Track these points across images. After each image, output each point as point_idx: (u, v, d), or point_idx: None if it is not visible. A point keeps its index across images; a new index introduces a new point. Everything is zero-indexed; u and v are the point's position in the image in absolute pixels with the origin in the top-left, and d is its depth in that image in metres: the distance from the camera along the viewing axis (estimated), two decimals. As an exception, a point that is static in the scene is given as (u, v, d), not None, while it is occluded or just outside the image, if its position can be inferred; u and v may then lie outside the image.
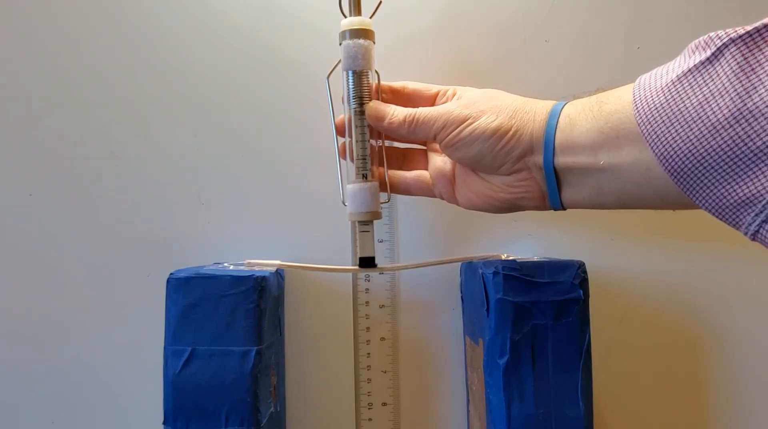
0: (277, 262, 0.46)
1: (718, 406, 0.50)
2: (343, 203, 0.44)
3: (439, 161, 0.43)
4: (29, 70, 0.50)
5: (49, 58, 0.50)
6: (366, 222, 0.43)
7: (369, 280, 0.50)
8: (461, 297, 0.50)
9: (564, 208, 0.38)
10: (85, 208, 0.50)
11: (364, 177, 0.42)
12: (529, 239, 0.50)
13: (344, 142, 0.44)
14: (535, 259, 0.44)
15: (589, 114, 0.34)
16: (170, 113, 0.50)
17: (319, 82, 0.48)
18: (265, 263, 0.45)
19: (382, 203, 0.43)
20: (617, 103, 0.32)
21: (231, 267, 0.44)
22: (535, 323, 0.40)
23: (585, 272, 0.41)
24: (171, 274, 0.41)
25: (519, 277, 0.40)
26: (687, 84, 0.28)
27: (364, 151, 0.42)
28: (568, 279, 0.40)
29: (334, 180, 0.45)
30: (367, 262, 0.43)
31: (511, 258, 0.45)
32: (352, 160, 0.43)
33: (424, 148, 0.46)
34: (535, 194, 0.38)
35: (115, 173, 0.50)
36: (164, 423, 0.40)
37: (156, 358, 0.41)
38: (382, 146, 0.44)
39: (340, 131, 0.44)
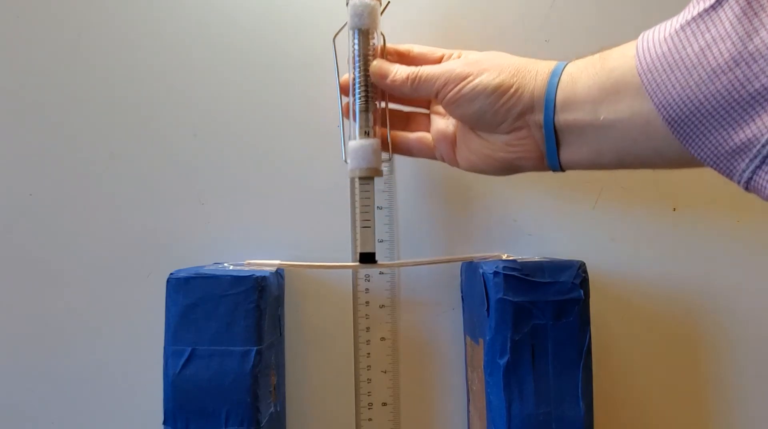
0: (277, 261, 0.46)
1: (719, 405, 0.50)
2: (345, 161, 0.44)
3: (442, 123, 0.44)
4: (29, 70, 0.50)
5: (50, 58, 0.50)
6: (366, 179, 0.43)
7: (369, 280, 0.50)
8: (461, 297, 0.50)
9: (562, 169, 0.38)
10: (86, 208, 0.50)
11: (367, 134, 0.43)
12: (529, 239, 0.50)
13: (347, 102, 0.44)
14: (536, 259, 0.44)
15: (591, 71, 0.34)
16: (170, 113, 0.50)
17: (318, 83, 0.48)
18: (265, 263, 0.45)
19: (383, 161, 0.44)
20: (620, 58, 0.33)
21: (231, 267, 0.44)
22: (536, 323, 0.40)
23: (585, 272, 0.41)
24: (171, 274, 0.41)
25: (519, 277, 0.40)
26: (690, 32, 0.28)
27: (367, 109, 0.43)
28: (569, 279, 0.40)
29: (335, 180, 0.46)
30: (367, 258, 0.43)
31: (511, 258, 0.45)
32: (354, 119, 0.43)
33: (427, 111, 0.46)
34: (534, 154, 0.38)
35: (115, 173, 0.50)
36: (164, 423, 0.40)
37: (156, 358, 0.41)
38: (386, 107, 0.45)
39: (344, 91, 0.45)
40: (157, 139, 0.50)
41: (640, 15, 0.51)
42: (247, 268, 0.43)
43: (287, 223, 0.50)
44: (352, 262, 0.50)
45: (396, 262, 0.50)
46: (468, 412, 0.49)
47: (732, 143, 0.27)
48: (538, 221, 0.51)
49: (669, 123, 0.29)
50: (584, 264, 0.41)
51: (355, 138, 0.43)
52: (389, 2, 0.44)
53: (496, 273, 0.40)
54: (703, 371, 0.50)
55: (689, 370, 0.50)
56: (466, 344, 0.49)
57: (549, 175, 0.50)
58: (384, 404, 0.50)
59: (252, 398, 0.40)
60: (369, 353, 0.50)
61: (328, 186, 0.50)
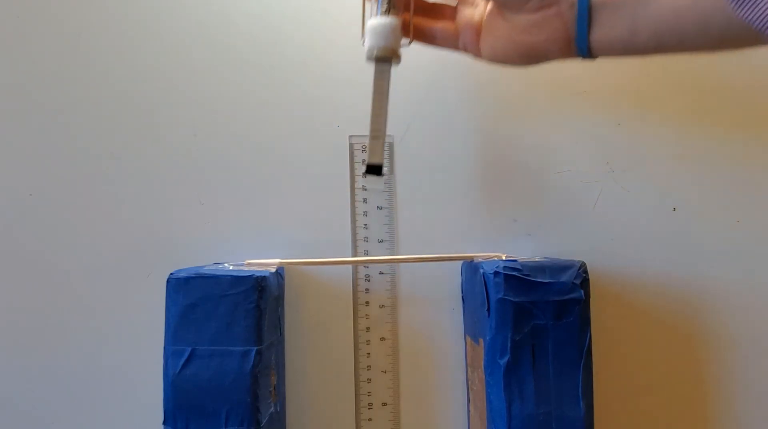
0: (277, 260, 0.46)
1: (719, 406, 0.50)
2: (362, 43, 0.42)
3: (468, 11, 0.42)
4: (29, 70, 0.50)
5: (50, 58, 0.50)
6: (383, 61, 0.40)
7: (369, 280, 0.50)
8: (462, 297, 0.50)
9: (591, 55, 0.36)
10: (85, 208, 0.50)
11: (387, 12, 0.40)
12: (530, 239, 0.50)
13: None
14: (536, 259, 0.44)
15: None
16: (170, 113, 0.50)
17: (318, 82, 0.48)
18: (265, 263, 0.45)
19: (402, 46, 0.41)
20: None
21: (231, 267, 0.44)
22: (536, 323, 0.40)
23: (586, 272, 0.41)
24: (171, 274, 0.41)
25: (520, 277, 0.40)
26: None
27: None
28: (569, 279, 0.40)
29: (335, 180, 0.45)
30: (373, 170, 0.41)
31: (511, 258, 0.45)
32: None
33: (454, 2, 0.44)
34: (561, 35, 0.36)
35: (115, 173, 0.50)
36: (164, 423, 0.40)
37: (156, 358, 0.41)
38: None
39: None
40: (157, 139, 0.50)
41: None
42: (247, 268, 0.43)
43: (287, 222, 0.50)
44: (353, 264, 0.50)
45: (395, 257, 0.50)
46: (468, 412, 0.49)
47: None
48: (538, 221, 0.51)
49: None
50: (584, 264, 0.41)
51: (375, 16, 0.41)
52: None
53: (496, 273, 0.40)
54: (703, 371, 0.50)
55: (689, 370, 0.50)
56: (466, 344, 0.49)
57: (550, 176, 0.50)
58: (384, 404, 0.50)
59: (252, 398, 0.40)
60: (369, 353, 0.50)
61: (328, 186, 0.50)
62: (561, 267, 0.41)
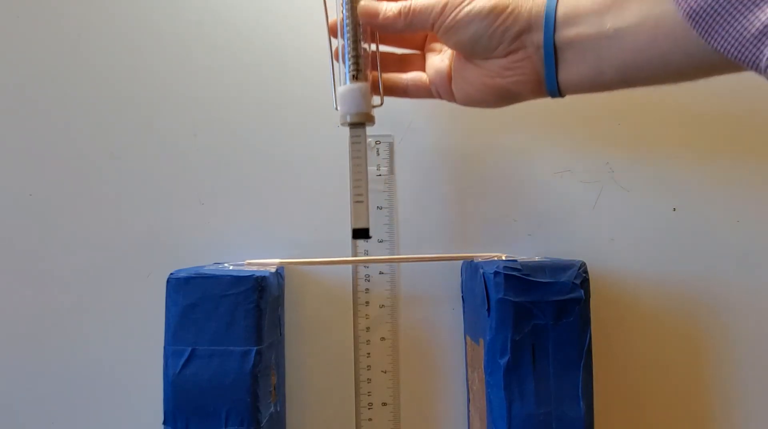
0: (277, 260, 0.46)
1: (719, 406, 0.50)
2: (336, 108, 0.43)
3: (437, 60, 0.43)
4: (29, 70, 0.50)
5: (50, 58, 0.50)
6: (357, 126, 0.41)
7: (369, 280, 0.50)
8: (462, 297, 0.50)
9: (561, 94, 0.37)
10: (85, 208, 0.50)
11: (356, 78, 0.41)
12: (530, 239, 0.50)
13: (338, 46, 0.43)
14: (536, 259, 0.44)
15: None
16: (170, 113, 0.50)
17: (318, 82, 0.48)
18: (265, 263, 0.45)
19: (375, 106, 0.42)
20: None
21: (231, 267, 0.44)
22: (536, 323, 0.40)
23: (586, 272, 0.41)
24: (171, 274, 0.41)
25: (520, 277, 0.40)
26: None
27: (356, 52, 0.41)
28: (569, 279, 0.40)
29: (335, 180, 0.45)
30: (360, 234, 0.42)
31: (511, 258, 0.45)
32: (344, 62, 0.42)
33: (420, 52, 0.45)
34: (531, 78, 0.37)
35: (115, 173, 0.50)
36: (164, 423, 0.40)
37: (156, 358, 0.41)
38: (377, 50, 0.43)
39: (333, 32, 0.43)
40: (157, 139, 0.50)
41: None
42: (247, 268, 0.43)
43: (287, 222, 0.50)
44: (352, 265, 0.50)
45: (395, 256, 0.50)
46: (468, 412, 0.49)
47: (758, 24, 0.26)
48: (538, 221, 0.51)
49: (689, 16, 0.28)
50: (585, 264, 0.41)
51: (345, 83, 0.42)
52: None
53: (496, 273, 0.40)
54: (703, 371, 0.50)
55: (689, 371, 0.50)
56: (466, 344, 0.49)
57: (550, 176, 0.50)
58: (384, 404, 0.50)
59: (252, 398, 0.40)
60: (369, 353, 0.50)
61: (328, 186, 0.50)
62: (561, 267, 0.41)
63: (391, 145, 0.51)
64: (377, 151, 0.50)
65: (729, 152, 0.51)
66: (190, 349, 0.40)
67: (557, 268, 0.41)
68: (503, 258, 0.45)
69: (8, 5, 0.50)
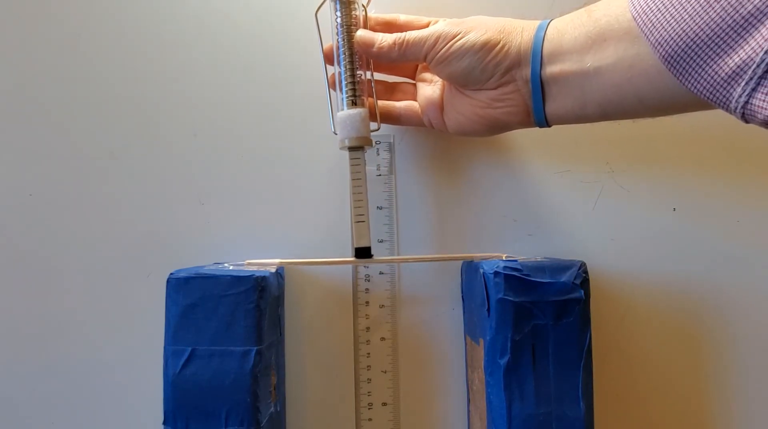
0: (277, 260, 0.46)
1: (719, 406, 0.50)
2: (334, 132, 0.45)
3: (428, 90, 0.45)
4: (29, 70, 0.50)
5: (50, 57, 0.50)
6: (357, 149, 0.43)
7: (369, 280, 0.50)
8: (462, 297, 0.50)
9: (548, 124, 0.39)
10: (85, 208, 0.50)
11: (354, 103, 0.43)
12: (530, 239, 0.50)
13: (333, 74, 0.45)
14: (536, 259, 0.44)
15: (578, 22, 0.36)
16: (170, 113, 0.50)
17: (319, 82, 0.48)
18: (265, 263, 0.45)
19: (372, 131, 0.44)
20: (606, 8, 0.34)
21: (231, 267, 0.44)
22: (536, 323, 0.40)
23: (586, 272, 0.41)
24: (171, 274, 0.41)
25: (520, 277, 0.40)
26: None
27: (353, 79, 0.43)
28: (569, 279, 0.40)
29: (335, 180, 0.45)
30: (362, 253, 0.44)
31: (511, 258, 0.45)
32: (341, 90, 0.44)
33: (412, 81, 0.47)
34: (520, 109, 0.39)
35: (115, 173, 0.50)
36: (164, 423, 0.40)
37: (156, 358, 0.41)
38: (371, 78, 0.45)
39: (328, 59, 0.45)
40: (157, 139, 0.50)
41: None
42: (247, 268, 0.43)
43: (287, 222, 0.50)
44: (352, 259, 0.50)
45: (394, 257, 0.50)
46: (468, 412, 0.49)
47: (727, 69, 0.28)
48: (538, 221, 0.51)
49: (665, 60, 0.30)
50: (585, 264, 0.41)
51: (342, 108, 0.43)
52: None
53: (496, 273, 0.40)
54: (704, 371, 0.50)
55: (689, 370, 0.50)
56: (466, 344, 0.49)
57: (550, 176, 0.50)
58: (384, 404, 0.50)
59: (252, 398, 0.40)
60: (369, 353, 0.50)
61: (328, 186, 0.50)
62: (561, 267, 0.41)
63: (391, 145, 0.51)
64: (377, 151, 0.50)
65: (729, 152, 0.51)
66: (190, 349, 0.40)
67: (557, 268, 0.41)
68: (503, 258, 0.45)
69: (8, 5, 0.50)
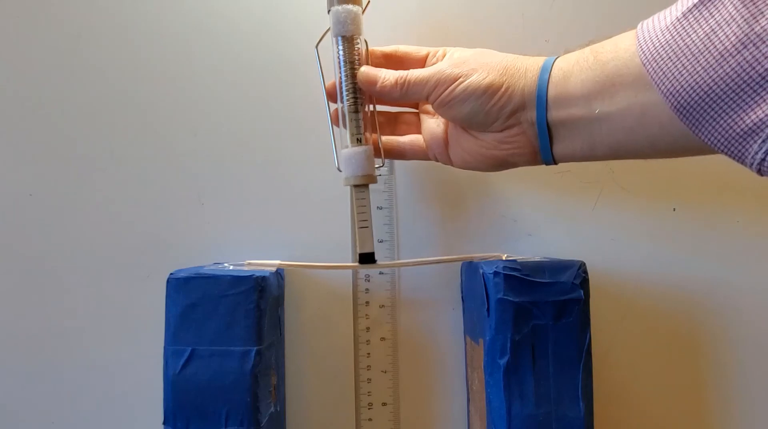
0: (277, 261, 0.46)
1: (719, 405, 0.50)
2: (338, 169, 0.44)
3: (432, 123, 0.44)
4: (29, 70, 0.50)
5: (50, 57, 0.50)
6: (362, 186, 0.43)
7: (369, 281, 0.50)
8: (461, 297, 0.50)
9: (555, 163, 0.38)
10: (85, 208, 0.50)
11: (359, 141, 0.43)
12: (530, 239, 0.50)
13: (336, 109, 0.44)
14: (536, 259, 0.44)
15: (584, 65, 0.34)
16: (170, 113, 0.50)
17: (319, 82, 0.48)
18: (265, 263, 0.45)
19: (377, 167, 0.44)
20: (613, 50, 0.33)
21: (231, 267, 0.44)
22: (536, 323, 0.40)
23: (585, 272, 0.41)
24: (171, 274, 0.41)
25: (519, 277, 0.40)
26: (692, 19, 0.29)
27: (357, 116, 0.43)
28: (569, 279, 0.40)
29: (335, 180, 0.45)
30: (366, 259, 0.43)
31: (511, 258, 0.45)
32: (344, 126, 0.43)
33: (416, 110, 0.46)
34: (527, 150, 0.38)
35: (115, 173, 0.50)
36: (164, 423, 0.40)
37: (156, 358, 0.41)
38: (374, 112, 0.45)
39: (331, 97, 0.44)
40: (157, 139, 0.50)
41: (639, 15, 0.51)
42: (247, 268, 0.43)
43: (287, 223, 0.50)
44: (353, 262, 0.50)
45: (396, 262, 0.50)
46: (468, 412, 0.49)
47: (743, 125, 0.27)
48: (538, 221, 0.51)
49: (677, 110, 0.29)
50: (584, 264, 0.41)
51: (346, 145, 0.43)
52: (369, 1, 0.44)
53: (496, 273, 0.40)
54: (704, 371, 0.50)
55: (689, 371, 0.50)
56: (466, 344, 0.49)
57: (549, 176, 0.50)
58: (384, 404, 0.50)
59: (252, 398, 0.40)
60: (369, 353, 0.50)
61: (328, 186, 0.50)
62: (561, 267, 0.41)
63: (391, 145, 0.51)
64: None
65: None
66: (190, 349, 0.40)
67: (557, 268, 0.41)
68: (503, 258, 0.45)
69: (8, 5, 0.50)
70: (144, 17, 0.50)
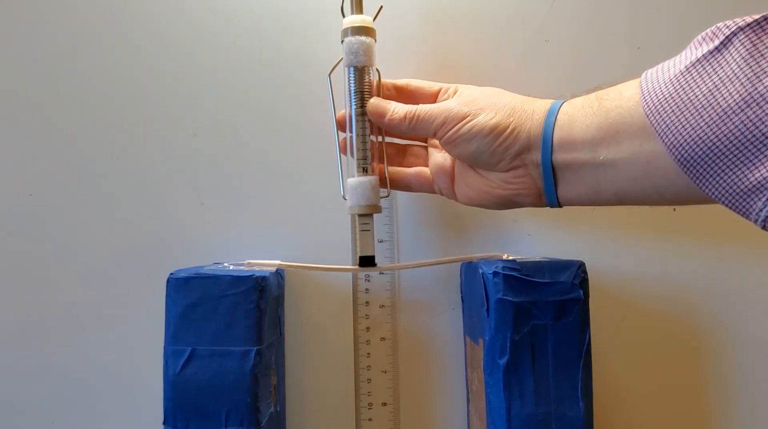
0: (277, 262, 0.46)
1: (719, 405, 0.50)
2: (344, 197, 0.44)
3: (439, 157, 0.44)
4: (29, 69, 0.50)
5: (50, 57, 0.50)
6: (366, 215, 0.43)
7: (369, 281, 0.50)
8: (461, 297, 0.50)
9: (560, 205, 0.38)
10: (85, 208, 0.50)
11: (365, 170, 0.43)
12: (529, 239, 0.50)
13: (345, 138, 0.44)
14: (536, 259, 0.44)
15: (589, 111, 0.34)
16: (170, 113, 0.50)
17: (319, 82, 0.48)
18: (265, 263, 0.45)
19: (382, 197, 0.44)
20: (618, 98, 0.33)
21: (231, 267, 0.44)
22: (536, 323, 0.40)
23: (585, 272, 0.41)
24: (171, 274, 0.41)
25: (519, 277, 0.40)
26: (696, 73, 0.29)
27: (364, 145, 0.43)
28: (569, 279, 0.40)
29: (335, 180, 0.46)
30: (367, 262, 0.44)
31: (511, 258, 0.45)
32: (352, 155, 0.43)
33: (424, 144, 0.47)
34: (532, 191, 0.38)
35: (115, 173, 0.50)
36: (164, 423, 0.40)
37: (156, 358, 0.41)
38: (383, 142, 0.45)
39: (341, 126, 0.45)
40: (157, 139, 0.50)
41: (639, 15, 0.51)
42: (247, 268, 0.43)
43: (287, 223, 0.50)
44: (353, 263, 0.50)
45: (396, 264, 0.50)
46: (468, 412, 0.50)
47: (747, 182, 0.27)
48: (538, 221, 0.51)
49: (681, 163, 0.29)
50: (584, 264, 0.41)
51: (353, 175, 0.43)
52: (381, 7, 0.44)
53: (495, 273, 0.40)
54: (703, 371, 0.50)
55: (689, 371, 0.50)
56: (466, 344, 0.49)
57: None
58: (384, 404, 0.50)
59: (252, 398, 0.40)
60: (369, 353, 0.50)
61: (329, 186, 0.50)
62: (560, 267, 0.41)
63: (390, 145, 0.51)
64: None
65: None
66: (190, 349, 0.40)
67: (556, 268, 0.41)
68: (503, 258, 0.45)
69: (8, 5, 0.50)
70: (144, 17, 0.50)
